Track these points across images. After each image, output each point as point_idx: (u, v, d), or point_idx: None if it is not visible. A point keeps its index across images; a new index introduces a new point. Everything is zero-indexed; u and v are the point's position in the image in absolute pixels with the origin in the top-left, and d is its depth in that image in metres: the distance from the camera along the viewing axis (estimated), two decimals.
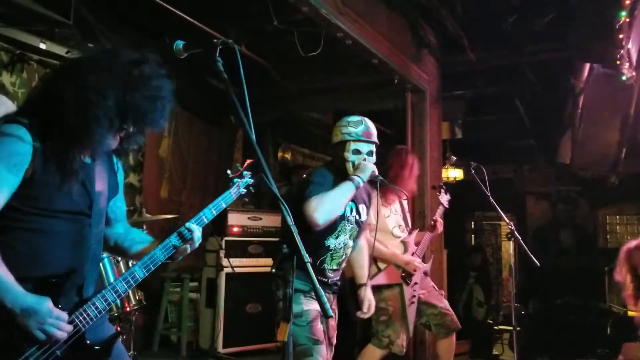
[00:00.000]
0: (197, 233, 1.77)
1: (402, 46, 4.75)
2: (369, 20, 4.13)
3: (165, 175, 5.72)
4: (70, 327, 1.56)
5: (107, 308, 1.68)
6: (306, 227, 2.50)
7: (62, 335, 1.54)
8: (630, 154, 5.60)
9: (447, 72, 5.58)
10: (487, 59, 5.28)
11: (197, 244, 1.80)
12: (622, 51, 3.96)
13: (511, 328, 4.06)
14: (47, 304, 1.53)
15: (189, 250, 1.82)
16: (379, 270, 3.67)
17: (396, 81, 4.81)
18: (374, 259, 3.69)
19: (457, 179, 6.83)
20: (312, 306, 2.59)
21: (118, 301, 2.78)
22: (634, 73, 4.36)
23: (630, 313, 5.62)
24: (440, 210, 3.99)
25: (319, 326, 2.62)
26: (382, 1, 4.51)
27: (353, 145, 2.77)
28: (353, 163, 2.75)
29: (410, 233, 3.83)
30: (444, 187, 4.07)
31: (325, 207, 2.52)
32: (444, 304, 3.91)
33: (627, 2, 3.76)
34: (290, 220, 1.54)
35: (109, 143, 1.69)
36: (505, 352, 6.01)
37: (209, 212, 1.86)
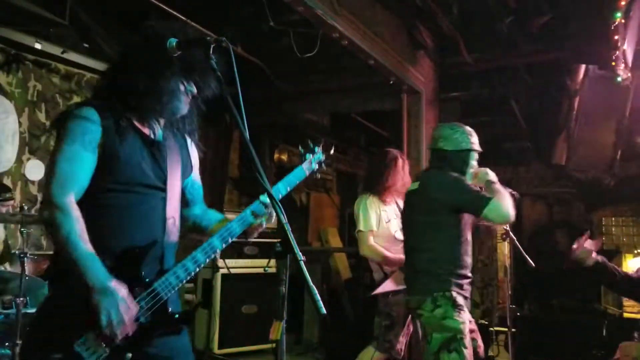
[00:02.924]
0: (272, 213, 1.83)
1: (398, 47, 4.76)
2: (365, 21, 4.14)
3: None
4: (134, 325, 1.59)
5: (188, 277, 1.72)
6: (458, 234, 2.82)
7: (128, 325, 1.56)
8: (625, 156, 5.62)
9: (443, 73, 5.59)
10: (483, 61, 5.29)
11: (272, 219, 1.85)
12: (617, 52, 3.97)
13: (506, 329, 4.06)
14: (123, 291, 1.57)
15: (264, 225, 1.89)
16: (386, 276, 3.65)
17: (392, 82, 4.81)
18: (380, 266, 3.69)
19: None
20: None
21: None
22: (629, 74, 4.37)
23: (626, 315, 5.63)
24: None
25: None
26: (378, 2, 4.51)
27: (474, 155, 2.96)
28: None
29: None
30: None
31: (510, 204, 2.75)
32: None
33: (622, 3, 3.77)
34: (283, 219, 1.53)
35: (178, 105, 1.78)
36: (501, 354, 6.00)
37: (283, 188, 1.97)
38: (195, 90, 1.80)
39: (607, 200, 7.49)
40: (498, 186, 2.85)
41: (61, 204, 1.60)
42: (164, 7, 4.02)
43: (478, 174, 2.95)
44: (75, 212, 1.60)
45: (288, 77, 5.75)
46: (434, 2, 4.65)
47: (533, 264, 3.51)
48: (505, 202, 2.74)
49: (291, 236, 1.52)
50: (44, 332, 1.62)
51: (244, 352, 4.93)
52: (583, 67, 4.96)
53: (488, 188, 2.88)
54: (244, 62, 5.13)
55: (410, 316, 3.60)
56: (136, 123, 1.77)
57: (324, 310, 1.43)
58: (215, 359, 4.76)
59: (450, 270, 2.83)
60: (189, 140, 1.98)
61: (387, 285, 3.62)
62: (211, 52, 1.68)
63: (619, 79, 4.35)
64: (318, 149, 2.08)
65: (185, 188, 1.95)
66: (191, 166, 1.98)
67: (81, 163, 1.64)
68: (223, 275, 4.88)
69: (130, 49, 1.81)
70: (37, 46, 4.42)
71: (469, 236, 2.95)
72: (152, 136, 1.80)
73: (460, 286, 2.84)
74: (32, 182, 4.70)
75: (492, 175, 2.92)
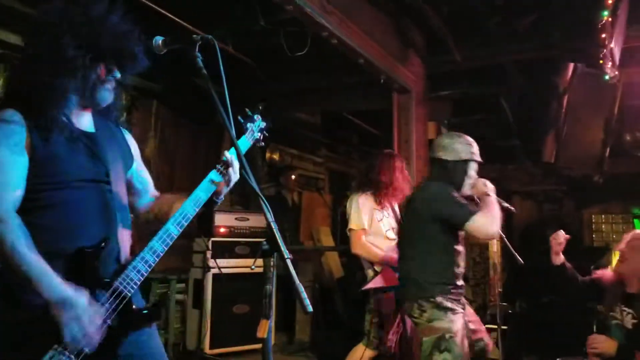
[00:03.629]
0: (235, 163, 1.79)
1: (388, 46, 4.76)
2: (355, 20, 4.13)
3: (152, 176, 5.69)
4: (102, 331, 1.51)
5: (149, 269, 1.64)
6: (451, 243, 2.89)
7: (94, 335, 1.49)
8: (614, 153, 5.66)
9: (433, 72, 5.60)
10: (472, 59, 5.31)
11: (236, 176, 1.80)
12: (605, 50, 4.00)
13: (497, 327, 4.09)
14: (84, 299, 1.49)
15: (231, 184, 1.83)
16: (376, 273, 3.68)
17: (382, 81, 4.82)
18: (371, 263, 3.70)
19: None
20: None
21: None
22: (616, 72, 4.40)
23: None
24: None
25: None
26: (367, 1, 4.52)
27: (474, 165, 3.01)
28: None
29: None
30: None
31: (496, 221, 2.81)
32: None
33: (610, 1, 3.80)
34: (270, 217, 1.53)
35: (101, 94, 1.70)
36: (492, 351, 6.03)
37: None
38: (119, 75, 1.72)
39: (597, 197, 7.54)
40: (491, 199, 2.89)
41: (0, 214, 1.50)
42: (154, 6, 4.01)
43: (476, 184, 2.99)
44: (16, 221, 1.51)
45: (279, 76, 5.75)
46: (423, 1, 4.66)
47: (522, 261, 3.53)
48: (489, 219, 2.79)
49: (278, 234, 1.52)
50: (3, 355, 1.51)
51: (235, 352, 4.91)
52: (571, 65, 4.99)
53: (482, 200, 2.93)
54: (234, 61, 5.12)
55: (400, 314, 3.63)
56: (64, 118, 1.67)
57: (310, 309, 1.43)
58: (206, 359, 4.75)
59: (435, 280, 2.87)
60: (123, 130, 1.91)
61: (377, 282, 3.65)
62: (197, 50, 1.69)
63: (607, 77, 4.38)
64: (257, 117, 2.02)
65: (132, 178, 1.89)
66: (131, 155, 1.90)
67: (12, 168, 1.54)
68: (214, 275, 4.87)
69: (31, 40, 1.71)
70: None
71: (460, 247, 2.98)
72: (85, 127, 1.72)
73: (447, 292, 2.87)
74: None
75: (489, 187, 2.95)
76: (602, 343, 2.98)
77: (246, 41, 4.99)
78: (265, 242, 1.54)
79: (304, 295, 1.43)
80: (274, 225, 1.52)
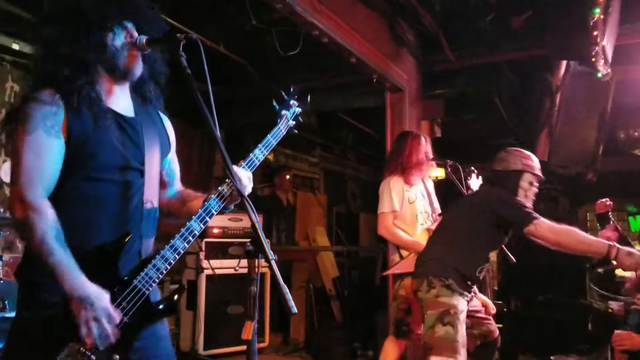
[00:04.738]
0: (244, 180, 1.68)
1: (381, 45, 4.75)
2: (346, 19, 4.12)
3: None
4: (117, 334, 1.48)
5: (168, 268, 1.60)
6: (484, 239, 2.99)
7: (111, 335, 1.47)
8: (607, 151, 5.65)
9: (426, 71, 5.59)
10: (465, 58, 5.30)
11: (245, 190, 1.68)
12: (597, 48, 3.99)
13: None
14: (105, 300, 1.47)
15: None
16: (402, 258, 3.67)
17: (375, 80, 4.80)
18: (397, 248, 3.69)
19: (438, 178, 6.85)
20: None
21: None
22: (609, 70, 4.40)
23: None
24: None
25: None
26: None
27: (529, 177, 3.09)
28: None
29: (434, 221, 3.79)
30: (475, 170, 3.99)
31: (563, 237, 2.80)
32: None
33: None
34: (254, 218, 1.51)
35: (128, 62, 1.65)
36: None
37: (260, 153, 1.80)
38: (143, 39, 1.66)
39: (591, 195, 7.54)
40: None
41: (32, 202, 1.46)
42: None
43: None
44: (49, 211, 1.47)
45: (271, 76, 5.72)
46: (416, 0, 4.65)
47: (514, 260, 3.53)
48: (556, 229, 2.78)
49: (262, 235, 1.50)
50: (20, 353, 1.51)
51: (229, 353, 4.89)
52: (564, 63, 4.98)
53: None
54: (226, 61, 5.09)
55: None
56: (103, 99, 1.63)
57: (294, 310, 1.41)
58: None
59: (455, 266, 2.95)
60: (163, 116, 1.86)
61: (401, 267, 3.62)
62: (181, 49, 1.66)
63: (600, 74, 4.38)
64: (293, 102, 1.92)
65: (163, 170, 1.83)
66: (169, 143, 1.84)
67: (48, 153, 1.50)
68: (208, 276, 4.84)
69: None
70: (15, 47, 4.36)
71: (492, 254, 3.16)
72: (123, 112, 1.68)
73: (459, 282, 2.95)
74: (8, 185, 4.64)
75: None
76: (627, 339, 3.00)
77: (238, 41, 4.97)
78: (249, 244, 1.52)
79: (289, 296, 1.41)
80: (258, 226, 1.49)
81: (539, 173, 3.13)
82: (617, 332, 3.08)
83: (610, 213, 3.99)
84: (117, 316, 1.49)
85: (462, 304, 2.92)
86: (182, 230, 1.62)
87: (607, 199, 3.91)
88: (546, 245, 2.79)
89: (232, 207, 1.75)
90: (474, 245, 2.99)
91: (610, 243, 2.66)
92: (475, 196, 3.23)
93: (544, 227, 2.77)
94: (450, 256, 2.97)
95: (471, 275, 2.98)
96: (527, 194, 3.06)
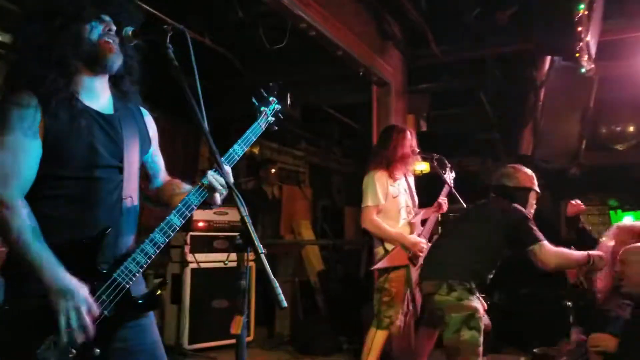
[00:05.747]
0: (217, 185, 1.64)
1: (367, 38, 4.75)
2: (333, 12, 4.11)
3: None
4: (97, 322, 1.49)
5: (149, 261, 1.61)
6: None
7: (90, 327, 1.47)
8: (590, 146, 5.73)
9: (412, 65, 5.60)
10: (451, 53, 5.32)
11: (221, 189, 1.65)
12: (581, 44, 4.03)
13: None
14: (85, 291, 1.49)
15: (224, 193, 1.68)
16: (387, 252, 3.69)
17: (361, 74, 4.80)
18: (381, 241, 3.70)
19: (423, 172, 6.87)
20: None
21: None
22: (593, 65, 4.44)
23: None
24: (445, 190, 4.00)
25: None
26: None
27: (535, 195, 3.40)
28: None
29: (416, 214, 3.85)
30: (450, 165, 4.07)
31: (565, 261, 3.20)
32: None
33: None
34: (244, 211, 1.50)
35: (103, 53, 1.62)
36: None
37: (239, 148, 1.79)
38: (129, 31, 1.64)
39: (573, 190, 7.63)
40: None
41: (7, 201, 1.48)
42: None
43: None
44: (24, 210, 1.49)
45: (257, 69, 5.69)
46: None
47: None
48: (559, 254, 3.09)
49: (251, 229, 1.49)
50: (2, 343, 1.51)
51: (215, 347, 4.88)
52: (548, 58, 5.02)
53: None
54: (212, 53, 5.05)
55: (407, 294, 3.68)
56: (80, 97, 1.62)
57: (284, 304, 1.41)
58: (185, 355, 4.70)
59: (477, 273, 3.18)
60: (144, 111, 1.84)
61: (386, 261, 3.65)
62: (168, 41, 1.64)
63: (583, 70, 4.42)
64: (273, 99, 1.93)
65: (146, 164, 1.84)
66: (149, 138, 1.84)
67: (24, 153, 1.52)
68: (192, 269, 4.82)
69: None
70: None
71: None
72: (102, 109, 1.66)
73: (477, 285, 3.15)
74: None
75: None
76: (602, 341, 3.02)
77: (224, 33, 4.93)
78: (238, 237, 1.51)
79: (279, 290, 1.41)
80: (247, 220, 1.48)
81: (539, 190, 3.43)
82: (593, 335, 3.11)
83: (581, 217, 4.14)
84: (95, 307, 1.50)
85: (480, 307, 3.09)
86: (162, 224, 1.63)
87: (578, 200, 4.04)
88: (543, 267, 3.09)
89: (220, 203, 1.74)
90: (491, 253, 3.22)
91: (586, 252, 3.14)
92: (490, 209, 3.38)
93: (547, 251, 3.06)
94: (472, 262, 3.15)
95: (487, 280, 3.22)
96: (531, 210, 3.37)
